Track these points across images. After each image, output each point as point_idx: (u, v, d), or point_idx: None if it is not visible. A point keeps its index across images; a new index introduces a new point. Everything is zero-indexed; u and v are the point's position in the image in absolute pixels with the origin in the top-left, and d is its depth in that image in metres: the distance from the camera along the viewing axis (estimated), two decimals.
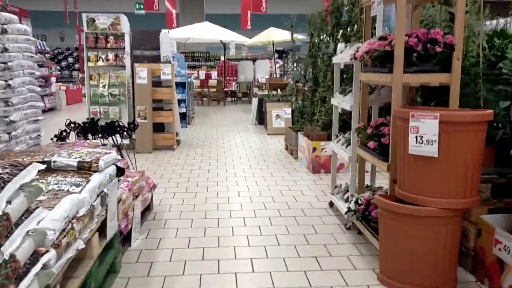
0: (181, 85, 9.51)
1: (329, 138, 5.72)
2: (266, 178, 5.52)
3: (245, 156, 6.89)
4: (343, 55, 3.98)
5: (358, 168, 3.84)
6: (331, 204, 4.38)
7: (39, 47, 13.66)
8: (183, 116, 9.52)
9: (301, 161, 6.30)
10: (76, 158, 2.56)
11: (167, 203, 4.50)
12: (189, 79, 10.80)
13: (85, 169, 2.53)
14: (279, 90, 10.17)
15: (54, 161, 2.52)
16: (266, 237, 3.62)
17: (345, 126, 5.09)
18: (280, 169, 5.98)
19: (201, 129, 9.70)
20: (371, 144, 3.19)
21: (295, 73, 7.51)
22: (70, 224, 2.00)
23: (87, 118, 4.54)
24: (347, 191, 4.15)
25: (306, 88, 7.45)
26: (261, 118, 10.26)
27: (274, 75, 15.42)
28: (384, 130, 3.19)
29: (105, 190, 2.56)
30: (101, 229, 2.60)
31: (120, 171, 2.87)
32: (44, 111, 12.87)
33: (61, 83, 15.88)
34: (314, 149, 5.71)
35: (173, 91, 7.45)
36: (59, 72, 18.37)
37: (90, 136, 4.51)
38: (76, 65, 19.52)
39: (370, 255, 3.25)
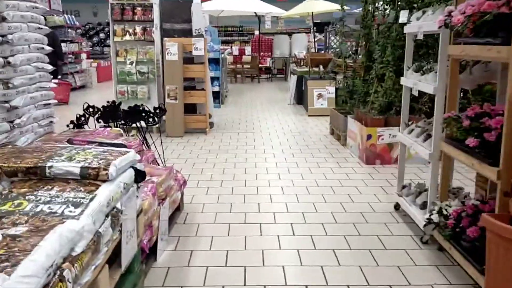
0: (214, 62, 8.80)
1: (387, 124, 4.89)
2: (313, 169, 4.77)
3: (286, 141, 6.14)
4: (421, 22, 3.13)
5: (442, 169, 3.03)
6: (396, 207, 3.62)
7: (69, 22, 13.15)
8: (216, 95, 8.83)
9: (351, 149, 5.50)
10: (79, 162, 1.90)
11: (200, 200, 3.85)
12: (222, 55, 10.05)
13: (91, 177, 1.87)
14: (321, 66, 9.27)
15: (50, 167, 1.87)
16: (321, 252, 2.91)
17: None
18: (327, 159, 5.22)
19: (235, 109, 8.99)
20: (471, 141, 2.38)
21: (343, 46, 6.60)
22: (57, 273, 1.34)
23: (107, 102, 3.90)
24: (420, 193, 3.37)
25: (353, 65, 6.57)
26: (300, 98, 9.45)
27: (312, 50, 14.41)
28: (489, 122, 2.37)
29: (118, 205, 1.91)
30: (115, 255, 1.96)
31: (140, 176, 2.20)
32: (74, 89, 12.65)
33: (92, 60, 15.49)
34: (369, 136, 4.89)
35: (206, 68, 6.73)
36: (91, 48, 17.98)
37: (111, 122, 3.90)
38: (108, 41, 19.07)
39: (463, 285, 2.49)
